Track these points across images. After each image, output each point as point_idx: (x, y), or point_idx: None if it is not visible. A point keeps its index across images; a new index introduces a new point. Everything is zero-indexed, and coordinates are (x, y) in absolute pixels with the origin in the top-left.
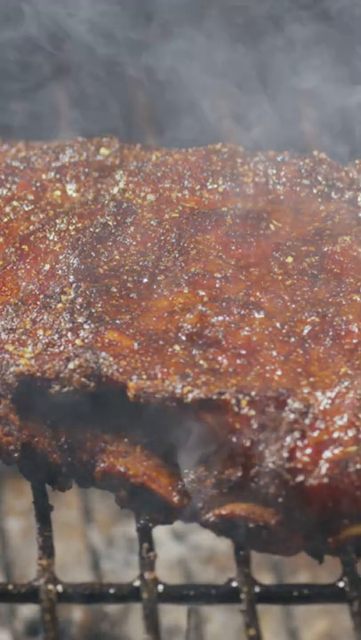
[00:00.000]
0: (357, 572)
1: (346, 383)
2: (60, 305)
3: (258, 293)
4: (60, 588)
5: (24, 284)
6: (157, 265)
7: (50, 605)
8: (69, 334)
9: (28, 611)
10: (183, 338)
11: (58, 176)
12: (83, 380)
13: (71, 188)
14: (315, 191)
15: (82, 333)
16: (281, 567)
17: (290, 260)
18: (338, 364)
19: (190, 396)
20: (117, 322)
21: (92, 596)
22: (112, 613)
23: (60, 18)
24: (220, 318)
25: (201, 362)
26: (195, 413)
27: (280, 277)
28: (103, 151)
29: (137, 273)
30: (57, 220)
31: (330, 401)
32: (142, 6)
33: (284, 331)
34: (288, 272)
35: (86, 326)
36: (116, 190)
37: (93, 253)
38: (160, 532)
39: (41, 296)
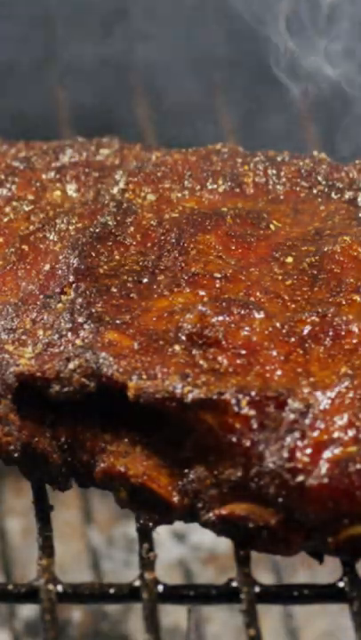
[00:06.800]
0: (357, 571)
1: (346, 383)
2: (60, 305)
3: (258, 293)
4: (60, 587)
5: (24, 283)
6: (157, 265)
7: (50, 605)
8: (69, 334)
9: (28, 611)
10: (183, 338)
11: (58, 176)
12: (83, 380)
13: (71, 188)
14: (315, 191)
15: (82, 333)
16: (281, 567)
17: (290, 259)
18: (338, 364)
19: (190, 395)
20: (117, 322)
21: (92, 596)
22: (112, 613)
23: None
24: (220, 318)
25: (201, 362)
26: (195, 413)
27: (280, 277)
28: (103, 151)
29: (137, 273)
30: (57, 220)
31: (330, 401)
32: None
33: (284, 331)
34: (288, 272)
35: (86, 326)
36: (116, 190)
37: (93, 253)
38: (160, 532)
39: (41, 296)
